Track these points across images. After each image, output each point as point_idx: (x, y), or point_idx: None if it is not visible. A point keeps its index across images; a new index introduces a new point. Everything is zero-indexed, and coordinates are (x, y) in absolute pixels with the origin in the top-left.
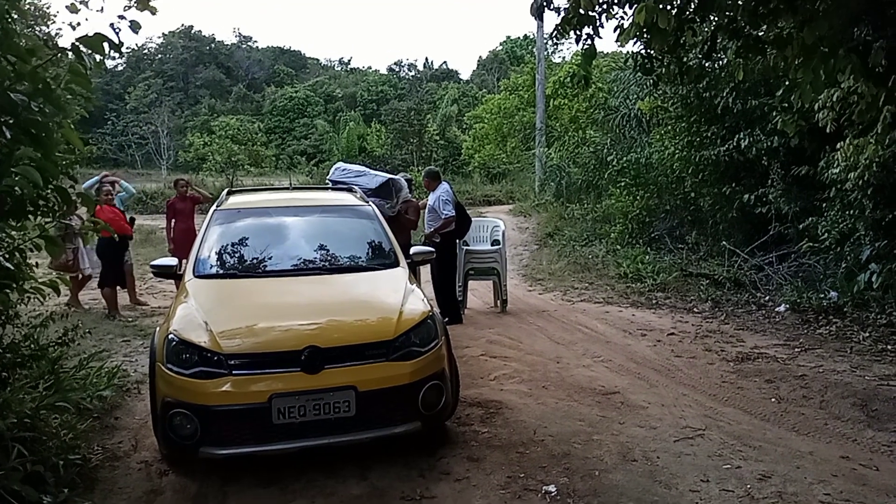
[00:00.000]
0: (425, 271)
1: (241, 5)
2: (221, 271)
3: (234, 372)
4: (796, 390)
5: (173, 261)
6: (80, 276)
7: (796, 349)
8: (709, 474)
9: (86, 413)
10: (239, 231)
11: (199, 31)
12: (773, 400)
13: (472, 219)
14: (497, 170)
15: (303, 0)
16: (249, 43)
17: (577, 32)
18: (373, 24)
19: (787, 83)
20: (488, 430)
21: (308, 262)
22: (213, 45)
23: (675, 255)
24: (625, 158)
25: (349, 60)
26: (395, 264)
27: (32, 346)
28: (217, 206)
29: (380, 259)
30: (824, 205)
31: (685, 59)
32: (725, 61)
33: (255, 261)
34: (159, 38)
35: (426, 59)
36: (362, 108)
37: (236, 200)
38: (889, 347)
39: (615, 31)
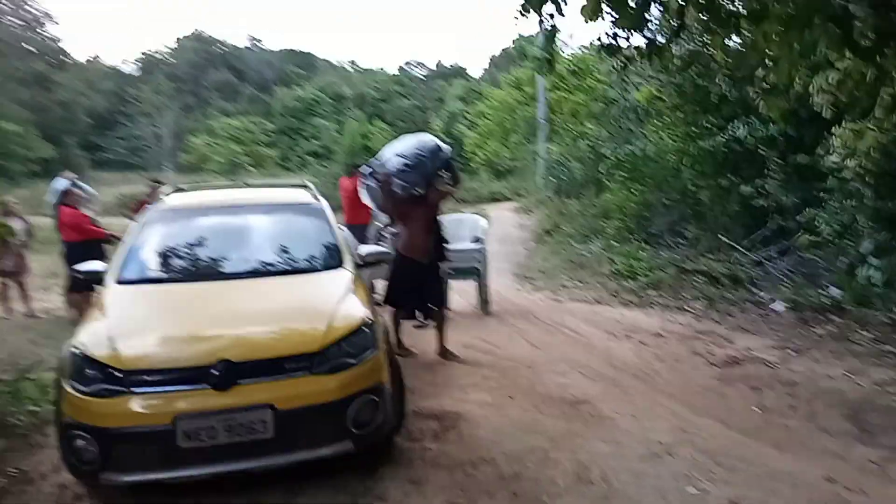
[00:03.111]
0: None
1: (252, 9)
2: (144, 277)
3: (134, 390)
4: (783, 399)
5: (101, 265)
6: (23, 281)
7: (789, 351)
8: (670, 499)
9: (11, 430)
10: (172, 232)
11: (211, 36)
12: (756, 410)
13: (455, 215)
14: (503, 166)
15: (314, 2)
16: (260, 45)
17: (539, 11)
18: (386, 25)
19: (769, 63)
20: (438, 446)
21: (242, 264)
22: (224, 48)
23: (674, 251)
24: (619, 150)
25: (359, 61)
26: (339, 266)
27: None
28: (153, 206)
29: (322, 260)
30: (824, 195)
31: (656, 40)
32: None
33: (183, 264)
34: (174, 44)
35: (439, 61)
36: (371, 107)
37: (176, 199)
38: (890, 348)
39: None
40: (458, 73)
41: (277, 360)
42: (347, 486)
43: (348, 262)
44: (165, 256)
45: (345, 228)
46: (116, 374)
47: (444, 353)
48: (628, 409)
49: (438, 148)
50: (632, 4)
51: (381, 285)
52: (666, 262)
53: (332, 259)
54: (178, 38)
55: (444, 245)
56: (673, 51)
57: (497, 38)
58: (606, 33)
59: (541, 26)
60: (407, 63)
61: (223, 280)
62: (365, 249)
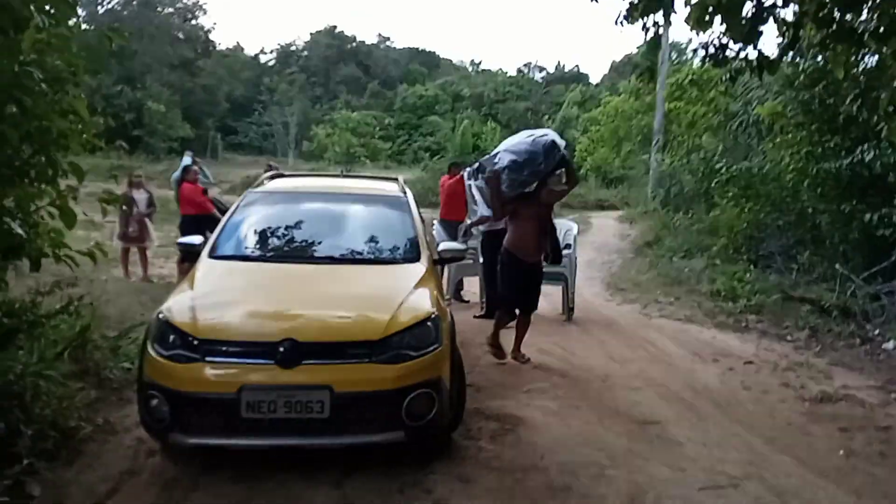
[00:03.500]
0: None
1: (382, 7)
2: (233, 253)
3: (206, 358)
4: (873, 444)
5: (198, 239)
6: (146, 248)
7: (892, 394)
8: None
9: (106, 383)
10: (265, 214)
11: (342, 31)
12: (840, 453)
13: None
14: (614, 174)
15: (440, 2)
16: (388, 43)
17: (644, 20)
18: (508, 27)
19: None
20: (493, 448)
21: (323, 250)
22: (353, 45)
23: (783, 276)
24: (734, 167)
25: (480, 62)
26: (415, 259)
27: (29, 314)
28: (252, 188)
29: (400, 252)
30: None
31: (768, 56)
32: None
33: (270, 245)
34: (308, 37)
35: (558, 62)
36: (488, 107)
37: (274, 184)
38: None
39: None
40: (577, 77)
41: (340, 345)
42: (398, 475)
43: (425, 256)
44: (256, 236)
45: (437, 223)
46: (193, 341)
47: (518, 356)
48: (699, 435)
49: (554, 145)
50: (745, 15)
51: (467, 282)
52: (772, 287)
53: (410, 252)
54: (311, 33)
55: (558, 248)
56: (800, 66)
57: (620, 44)
58: (713, 43)
59: (644, 34)
60: (526, 64)
61: (304, 263)
62: (443, 245)
